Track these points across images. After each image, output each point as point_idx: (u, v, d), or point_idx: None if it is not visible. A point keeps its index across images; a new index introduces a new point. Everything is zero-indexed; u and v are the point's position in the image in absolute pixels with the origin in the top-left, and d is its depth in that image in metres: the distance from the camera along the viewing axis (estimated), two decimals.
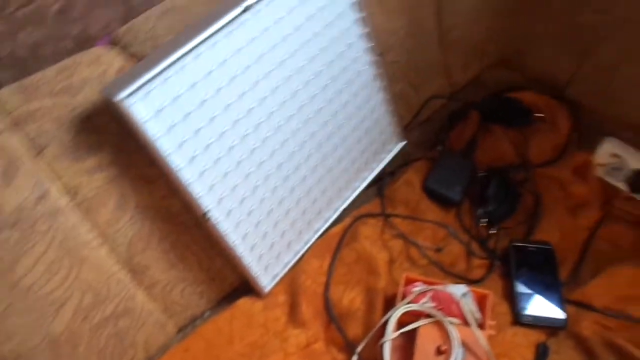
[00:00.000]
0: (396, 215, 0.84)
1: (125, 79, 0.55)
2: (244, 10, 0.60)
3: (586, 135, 0.91)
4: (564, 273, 0.77)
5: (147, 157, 0.60)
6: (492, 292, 0.72)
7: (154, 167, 0.61)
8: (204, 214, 0.64)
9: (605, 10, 0.84)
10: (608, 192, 0.84)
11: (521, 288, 0.75)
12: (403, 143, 0.90)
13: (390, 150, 0.89)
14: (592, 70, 0.91)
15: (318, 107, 0.73)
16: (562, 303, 0.73)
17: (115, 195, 0.63)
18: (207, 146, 0.62)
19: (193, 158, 0.61)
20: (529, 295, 0.74)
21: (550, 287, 0.75)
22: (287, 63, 0.67)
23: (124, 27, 0.70)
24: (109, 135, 0.62)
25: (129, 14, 0.77)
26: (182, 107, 0.59)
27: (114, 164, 0.63)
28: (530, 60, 0.99)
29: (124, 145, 0.62)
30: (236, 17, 0.60)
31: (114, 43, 0.70)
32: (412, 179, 0.88)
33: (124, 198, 0.64)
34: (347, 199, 0.84)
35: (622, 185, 0.84)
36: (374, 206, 0.86)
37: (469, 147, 0.91)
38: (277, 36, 0.65)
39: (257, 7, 0.61)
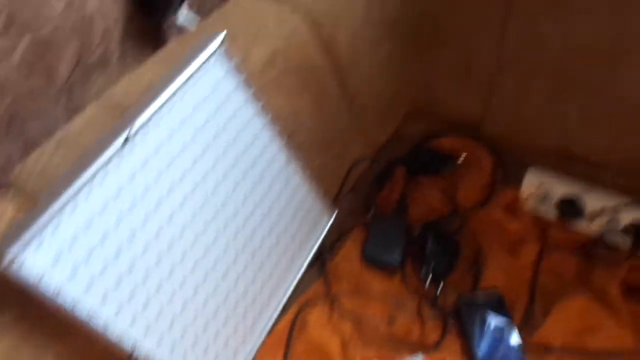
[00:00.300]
0: (341, 296, 0.81)
1: (11, 237, 0.52)
2: (134, 133, 0.58)
3: (511, 169, 0.92)
4: (517, 317, 0.76)
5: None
6: (451, 356, 0.70)
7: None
8: (130, 355, 0.59)
9: (499, 44, 0.86)
10: (541, 224, 0.85)
11: (479, 345, 0.73)
12: (334, 216, 0.89)
13: (323, 227, 0.87)
14: (499, 104, 0.94)
15: (234, 208, 0.71)
16: (522, 350, 0.72)
17: (27, 355, 0.58)
18: (119, 280, 0.59)
19: (105, 297, 0.57)
20: (488, 350, 0.72)
21: (507, 336, 0.73)
22: (189, 174, 0.65)
23: (19, 167, 0.67)
24: (10, 294, 0.57)
25: (28, 148, 0.75)
26: (83, 247, 0.55)
27: (21, 323, 0.57)
28: (440, 107, 1.01)
29: (29, 303, 0.57)
30: (123, 143, 0.58)
31: (11, 184, 0.66)
32: (350, 250, 0.86)
33: (38, 356, 0.59)
34: (288, 289, 0.81)
35: (552, 214, 0.85)
36: (318, 286, 0.84)
37: (400, 206, 0.90)
38: (174, 150, 0.63)
39: (145, 129, 0.59)
